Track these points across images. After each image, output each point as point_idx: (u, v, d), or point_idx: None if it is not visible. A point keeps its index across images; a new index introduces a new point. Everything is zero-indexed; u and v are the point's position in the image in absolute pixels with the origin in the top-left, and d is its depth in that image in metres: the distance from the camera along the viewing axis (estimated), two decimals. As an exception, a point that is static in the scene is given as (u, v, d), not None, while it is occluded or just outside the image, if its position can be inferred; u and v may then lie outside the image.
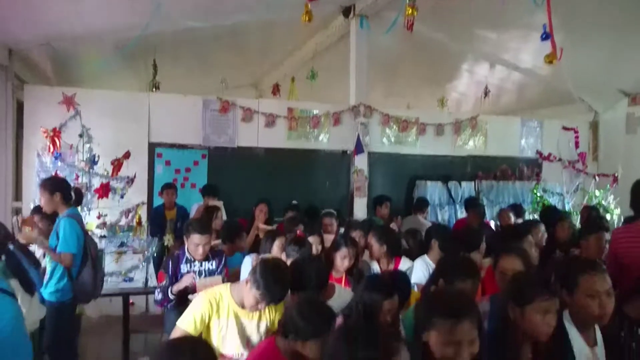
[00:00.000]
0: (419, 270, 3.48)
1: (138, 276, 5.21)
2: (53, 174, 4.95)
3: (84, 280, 3.71)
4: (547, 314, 1.91)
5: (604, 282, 2.02)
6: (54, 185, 3.77)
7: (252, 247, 4.71)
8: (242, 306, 2.48)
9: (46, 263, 3.83)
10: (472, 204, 6.16)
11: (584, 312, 2.02)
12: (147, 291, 5.04)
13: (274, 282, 2.31)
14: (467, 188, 7.61)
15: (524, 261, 2.72)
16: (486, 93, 8.64)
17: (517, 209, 6.07)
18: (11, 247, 3.44)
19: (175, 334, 2.41)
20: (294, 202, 5.87)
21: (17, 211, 5.27)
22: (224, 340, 2.48)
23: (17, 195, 5.77)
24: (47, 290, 3.65)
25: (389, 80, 8.96)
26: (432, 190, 7.36)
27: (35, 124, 5.43)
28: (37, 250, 3.98)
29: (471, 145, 7.84)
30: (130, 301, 5.12)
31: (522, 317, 1.94)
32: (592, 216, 5.36)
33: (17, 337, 2.86)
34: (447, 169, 7.63)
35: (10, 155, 5.65)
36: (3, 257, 3.17)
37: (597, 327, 2.12)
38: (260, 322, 2.53)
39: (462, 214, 7.19)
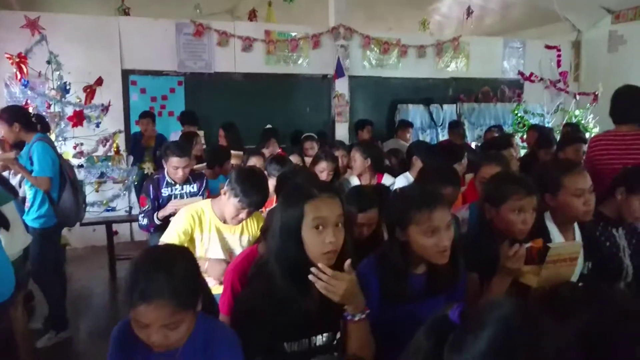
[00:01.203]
0: (401, 186, 3.49)
1: (120, 205, 5.20)
2: (23, 103, 4.76)
3: (66, 204, 3.67)
4: (522, 212, 1.92)
5: (586, 179, 2.06)
6: (11, 115, 3.62)
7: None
8: (224, 221, 2.48)
9: (25, 191, 3.78)
10: (454, 125, 6.19)
11: (569, 211, 2.07)
12: (130, 219, 5.05)
13: (250, 187, 2.28)
14: (448, 111, 7.59)
15: (504, 169, 2.74)
16: (469, 13, 8.43)
17: (501, 130, 6.14)
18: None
19: (159, 249, 2.41)
20: (268, 126, 5.79)
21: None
22: (207, 253, 2.49)
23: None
24: (30, 217, 3.61)
25: (369, 3, 8.64)
26: (414, 113, 7.32)
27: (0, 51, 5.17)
28: (12, 177, 3.91)
29: (453, 68, 7.75)
30: (114, 230, 5.14)
31: (498, 216, 1.97)
32: (570, 130, 5.43)
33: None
34: (429, 92, 7.57)
35: (-24, 85, 5.42)
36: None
37: (576, 227, 2.17)
38: (242, 235, 2.54)
39: (443, 137, 7.21)
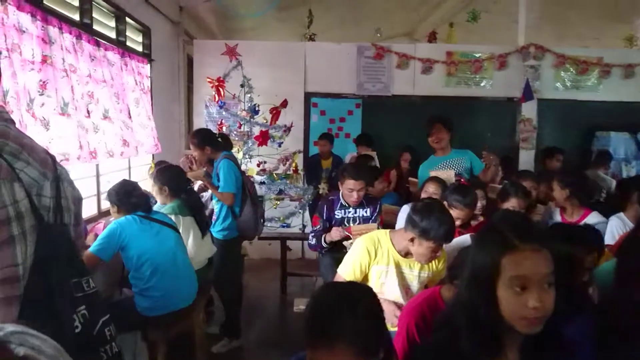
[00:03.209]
0: (615, 230, 2.88)
1: (295, 222, 5.35)
2: (218, 122, 5.22)
3: (246, 218, 3.89)
4: None
5: None
6: (201, 139, 3.96)
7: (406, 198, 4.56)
8: (403, 254, 2.32)
9: (213, 205, 4.09)
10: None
11: None
12: (303, 237, 5.17)
13: (439, 224, 2.10)
14: (662, 140, 6.42)
15: None
16: (693, 26, 7.12)
17: None
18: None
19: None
20: None
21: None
22: (383, 287, 2.34)
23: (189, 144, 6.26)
24: (215, 229, 3.89)
25: (563, 19, 7.82)
26: (617, 142, 6.32)
27: (203, 75, 5.76)
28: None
29: (670, 89, 6.56)
30: (288, 246, 5.31)
31: None
32: None
33: (180, 263, 3.06)
34: (637, 118, 6.49)
35: (183, 106, 6.13)
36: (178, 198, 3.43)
37: None
38: (421, 271, 2.34)
39: (654, 170, 6.12)
